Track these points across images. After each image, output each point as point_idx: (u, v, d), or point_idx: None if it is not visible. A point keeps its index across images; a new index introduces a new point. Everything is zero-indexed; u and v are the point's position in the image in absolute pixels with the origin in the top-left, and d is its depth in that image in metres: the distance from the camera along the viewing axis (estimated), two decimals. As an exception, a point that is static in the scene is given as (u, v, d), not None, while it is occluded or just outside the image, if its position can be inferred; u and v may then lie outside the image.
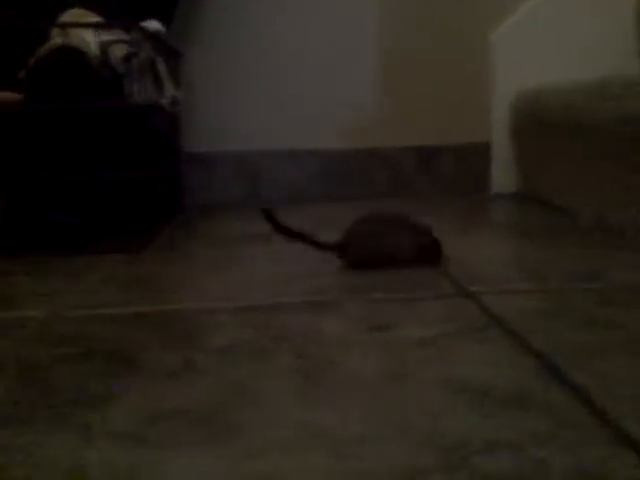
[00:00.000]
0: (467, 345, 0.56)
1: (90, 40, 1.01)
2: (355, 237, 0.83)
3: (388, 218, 0.86)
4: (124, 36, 1.04)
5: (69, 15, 1.06)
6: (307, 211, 1.31)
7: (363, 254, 0.83)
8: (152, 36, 1.08)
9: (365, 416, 0.44)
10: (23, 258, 0.95)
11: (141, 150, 1.02)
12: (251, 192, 1.46)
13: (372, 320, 0.64)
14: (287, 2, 1.42)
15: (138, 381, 0.51)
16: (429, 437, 0.41)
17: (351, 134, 1.46)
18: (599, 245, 0.91)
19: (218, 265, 0.89)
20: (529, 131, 1.36)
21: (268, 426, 0.43)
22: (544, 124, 1.25)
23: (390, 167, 1.47)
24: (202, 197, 1.44)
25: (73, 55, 0.97)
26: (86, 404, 0.47)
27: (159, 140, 1.16)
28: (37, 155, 0.99)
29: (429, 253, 0.83)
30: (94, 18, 1.07)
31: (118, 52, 1.02)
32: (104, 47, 1.01)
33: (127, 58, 1.02)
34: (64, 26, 1.01)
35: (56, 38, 1.02)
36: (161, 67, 1.12)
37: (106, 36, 1.02)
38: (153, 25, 1.11)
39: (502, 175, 1.46)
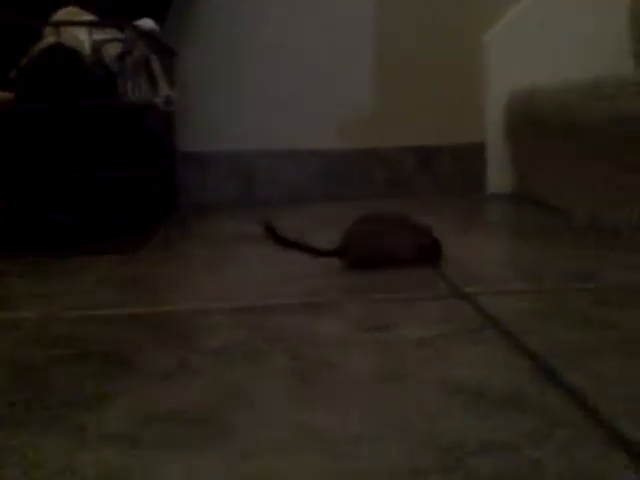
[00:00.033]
0: (463, 346, 0.56)
1: (84, 39, 1.00)
2: (355, 237, 0.83)
3: (388, 218, 0.86)
4: (118, 35, 1.03)
5: (62, 14, 1.06)
6: (307, 211, 1.32)
7: (363, 254, 0.83)
8: (146, 34, 1.08)
9: (361, 417, 0.44)
10: (19, 259, 0.95)
11: (135, 149, 1.02)
12: (246, 192, 1.45)
13: (368, 321, 0.64)
14: (285, 0, 1.42)
15: (133, 382, 0.51)
16: (425, 438, 0.41)
17: (348, 134, 1.46)
18: (594, 245, 0.91)
19: (213, 265, 0.89)
20: (523, 131, 1.36)
21: (263, 427, 0.43)
22: (538, 124, 1.25)
23: (388, 167, 1.47)
24: (197, 197, 1.43)
25: (66, 54, 0.97)
26: (81, 405, 0.47)
27: (153, 139, 1.16)
28: (30, 154, 0.99)
29: (429, 253, 0.83)
30: (88, 17, 1.06)
31: (112, 51, 1.02)
32: (98, 46, 1.00)
33: (121, 57, 1.01)
34: (57, 25, 1.01)
35: (49, 37, 1.01)
36: (155, 66, 1.12)
37: (100, 35, 1.01)
38: (147, 24, 1.11)
39: (497, 175, 1.46)
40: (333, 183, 1.46)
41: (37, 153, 0.99)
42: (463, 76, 1.46)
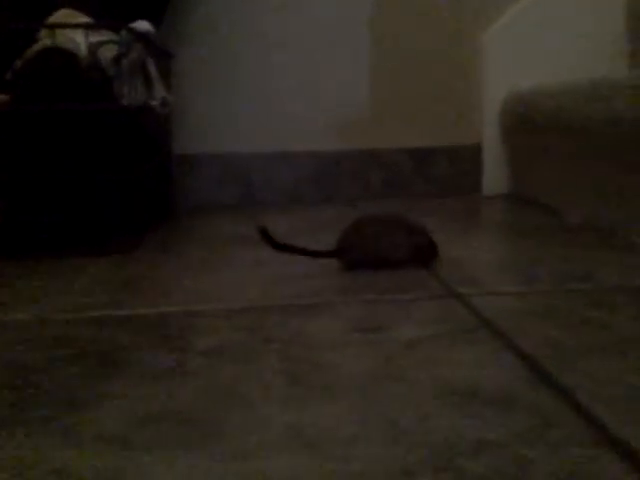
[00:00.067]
0: (456, 347, 0.56)
1: (80, 41, 1.00)
2: (352, 238, 0.83)
3: (384, 219, 0.86)
4: (114, 37, 1.03)
5: (58, 16, 1.06)
6: (303, 213, 1.32)
7: (360, 255, 0.83)
8: (142, 37, 1.08)
9: (353, 418, 0.44)
10: (14, 259, 0.95)
11: (131, 151, 1.02)
12: (244, 194, 1.46)
13: (362, 322, 0.64)
14: (280, 1, 1.42)
15: (127, 383, 0.51)
16: (417, 438, 0.41)
17: (345, 135, 1.46)
18: (589, 246, 0.92)
19: (209, 266, 0.89)
20: (520, 132, 1.36)
21: (256, 428, 0.43)
22: (534, 125, 1.26)
23: (385, 168, 1.47)
24: (193, 198, 1.43)
25: (62, 56, 0.97)
26: (74, 407, 0.47)
27: (149, 141, 1.16)
28: (25, 156, 0.99)
29: (426, 253, 0.83)
30: (83, 19, 1.06)
31: (108, 53, 1.02)
32: (93, 48, 1.00)
33: (117, 59, 1.01)
34: (53, 27, 1.01)
35: (45, 39, 1.01)
36: (151, 68, 1.12)
37: (95, 37, 1.01)
38: (143, 26, 1.11)
39: (494, 176, 1.47)
40: (329, 185, 1.46)
41: (32, 155, 0.99)
42: (460, 77, 1.46)
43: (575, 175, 1.12)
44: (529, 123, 1.28)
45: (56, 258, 0.94)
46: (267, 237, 0.83)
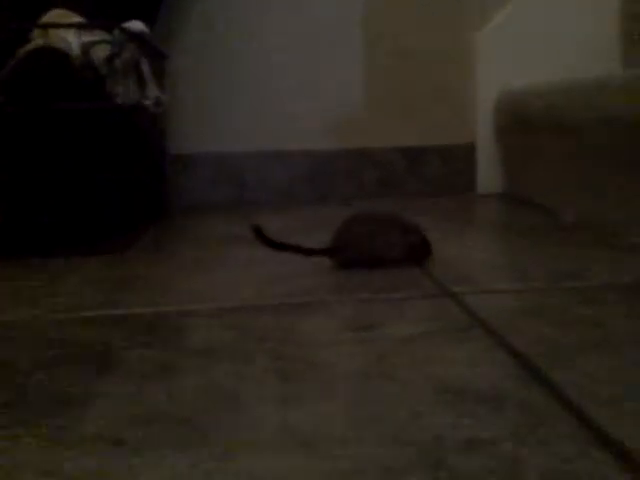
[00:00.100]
0: (449, 345, 0.57)
1: (72, 41, 1.00)
2: (345, 237, 0.83)
3: (378, 217, 0.86)
4: (107, 37, 1.03)
5: (51, 16, 1.06)
6: (297, 212, 1.32)
7: (353, 254, 0.83)
8: (136, 37, 1.08)
9: (345, 416, 0.44)
10: (6, 260, 0.95)
11: (125, 151, 1.02)
12: (237, 193, 1.45)
13: (355, 320, 0.64)
14: (274, 1, 1.42)
15: (118, 383, 0.51)
16: (409, 436, 0.41)
17: (338, 134, 1.46)
18: (582, 244, 0.92)
19: (202, 266, 0.89)
20: (513, 132, 1.37)
21: (247, 427, 0.43)
22: (527, 125, 1.26)
23: (379, 168, 1.47)
24: (187, 198, 1.43)
25: (54, 56, 0.97)
26: (65, 407, 0.47)
27: (143, 141, 1.16)
28: (18, 156, 0.99)
29: (419, 252, 0.83)
30: (76, 18, 1.06)
31: (101, 53, 1.02)
32: (86, 48, 1.00)
33: (110, 59, 1.01)
34: (45, 27, 1.01)
35: (37, 39, 1.01)
36: (145, 68, 1.12)
37: (88, 37, 1.01)
38: (136, 26, 1.11)
39: (487, 175, 1.47)
40: (324, 184, 1.46)
41: (23, 154, 0.99)
42: (454, 77, 1.46)
43: (569, 174, 1.12)
44: (523, 122, 1.28)
45: (49, 258, 0.94)
46: (261, 236, 0.83)
